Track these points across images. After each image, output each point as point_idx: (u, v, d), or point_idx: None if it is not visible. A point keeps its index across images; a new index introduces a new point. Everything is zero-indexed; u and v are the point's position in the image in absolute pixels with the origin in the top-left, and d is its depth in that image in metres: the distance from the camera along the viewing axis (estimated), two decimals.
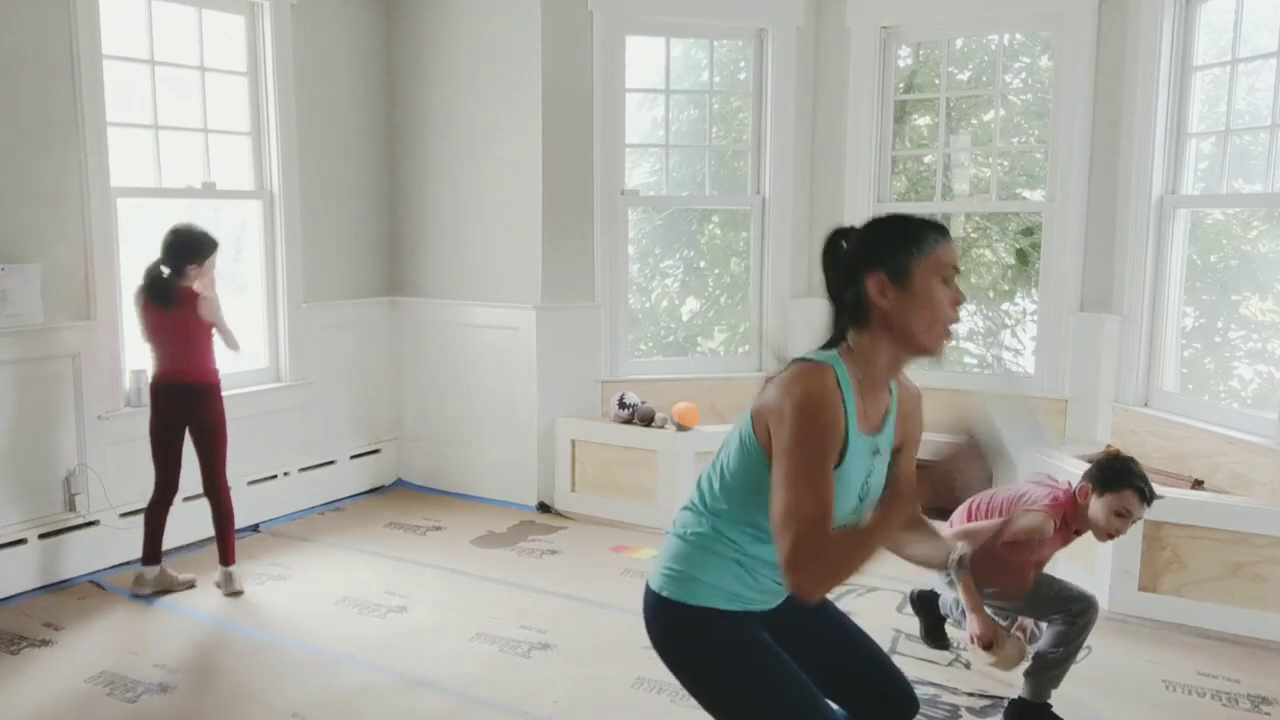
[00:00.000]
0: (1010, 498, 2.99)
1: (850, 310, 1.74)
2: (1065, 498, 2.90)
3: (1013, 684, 3.03)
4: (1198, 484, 3.81)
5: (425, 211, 5.28)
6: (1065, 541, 2.93)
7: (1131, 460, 2.94)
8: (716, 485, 1.81)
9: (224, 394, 3.89)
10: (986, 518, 2.99)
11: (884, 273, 1.69)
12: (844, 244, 1.80)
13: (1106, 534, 2.86)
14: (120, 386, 4.15)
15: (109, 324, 4.07)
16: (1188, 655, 3.41)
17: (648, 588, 1.87)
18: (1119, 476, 2.83)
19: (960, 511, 3.11)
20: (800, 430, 1.62)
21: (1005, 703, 2.99)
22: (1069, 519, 2.88)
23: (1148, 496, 2.84)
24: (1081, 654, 3.33)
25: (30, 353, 3.84)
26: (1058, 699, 2.89)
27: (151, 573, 3.86)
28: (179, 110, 4.43)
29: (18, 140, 3.78)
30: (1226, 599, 3.57)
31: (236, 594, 3.87)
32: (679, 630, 1.83)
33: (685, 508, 1.90)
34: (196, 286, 3.74)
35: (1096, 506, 2.84)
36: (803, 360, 1.72)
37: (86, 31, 3.93)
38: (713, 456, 1.87)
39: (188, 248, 3.73)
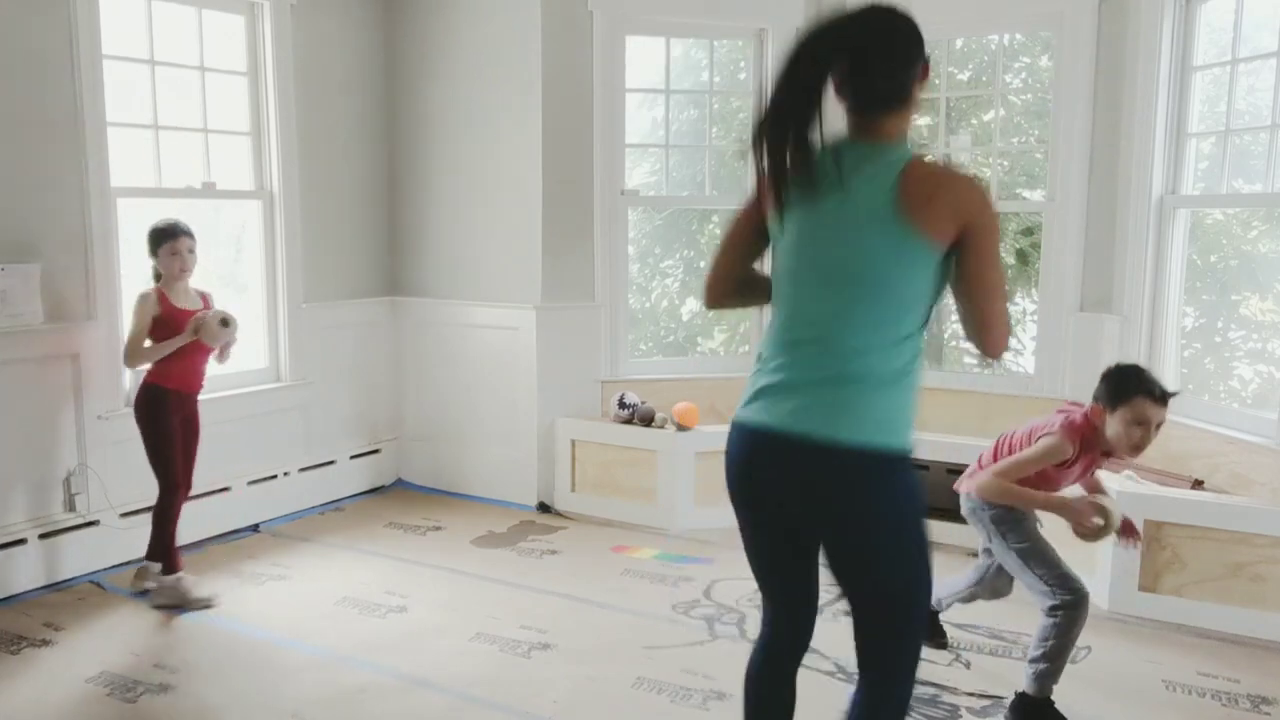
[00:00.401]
0: (1030, 429, 2.92)
1: (897, 102, 1.85)
2: (1082, 420, 2.81)
3: (1012, 683, 3.03)
4: (1198, 484, 3.81)
5: (425, 211, 5.28)
6: (1092, 464, 2.87)
7: (1134, 367, 2.84)
8: (886, 313, 1.76)
9: (198, 399, 3.83)
10: (1010, 454, 2.93)
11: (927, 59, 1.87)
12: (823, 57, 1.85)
13: (1133, 448, 2.75)
14: (120, 386, 4.14)
15: (109, 324, 4.07)
16: (1188, 655, 3.41)
17: (861, 444, 1.75)
18: (1123, 386, 2.74)
19: (988, 451, 3.04)
20: (995, 218, 1.79)
21: (1007, 701, 2.99)
22: (1089, 441, 2.80)
23: (1159, 396, 2.71)
24: (1081, 653, 3.35)
25: (30, 353, 3.84)
26: (1057, 697, 2.89)
27: (163, 575, 3.82)
28: (179, 110, 4.43)
29: (18, 140, 3.78)
30: (1226, 599, 3.57)
31: (152, 599, 3.74)
32: (907, 482, 1.82)
33: (851, 359, 1.76)
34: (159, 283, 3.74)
35: (1112, 424, 2.74)
36: (924, 159, 1.84)
37: (86, 31, 3.92)
38: (829, 312, 1.80)
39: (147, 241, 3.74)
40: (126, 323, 4.07)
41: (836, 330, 1.78)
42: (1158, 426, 2.74)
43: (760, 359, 1.92)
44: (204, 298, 3.86)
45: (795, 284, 1.86)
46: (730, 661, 3.34)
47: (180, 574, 3.79)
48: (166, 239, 3.68)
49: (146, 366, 3.75)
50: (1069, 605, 2.81)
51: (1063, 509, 2.80)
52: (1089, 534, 2.78)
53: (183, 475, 3.80)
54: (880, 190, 1.76)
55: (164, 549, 3.77)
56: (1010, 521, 2.91)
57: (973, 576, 3.25)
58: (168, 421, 3.75)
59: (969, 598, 3.32)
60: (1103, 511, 2.75)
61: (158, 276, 3.76)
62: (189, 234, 3.73)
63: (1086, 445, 2.81)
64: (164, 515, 3.76)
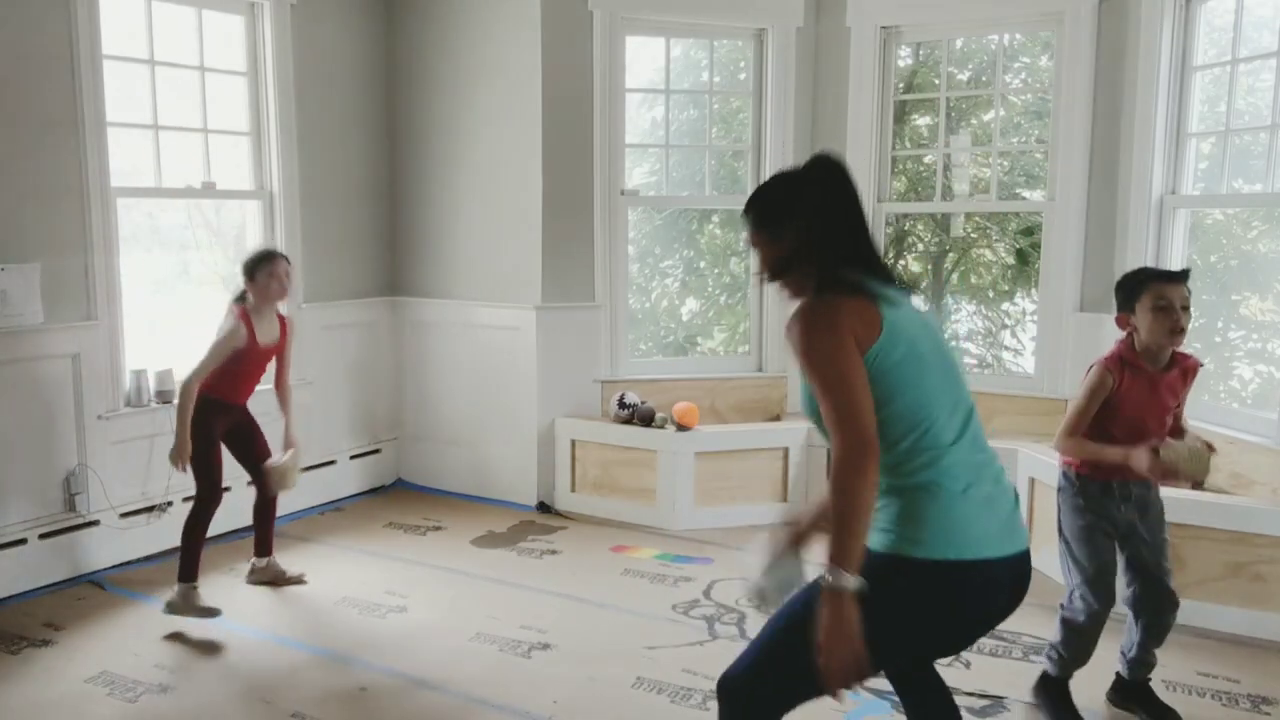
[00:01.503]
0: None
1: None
2: (1117, 346, 2.77)
3: (1011, 683, 3.03)
4: (1198, 484, 3.81)
5: (425, 211, 5.28)
6: (1152, 385, 2.75)
7: (1137, 268, 2.86)
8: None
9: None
10: None
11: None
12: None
13: (1171, 333, 2.67)
14: (120, 386, 4.15)
15: (109, 324, 4.07)
16: (1188, 655, 3.41)
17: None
18: (1132, 281, 2.75)
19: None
20: (801, 337, 1.86)
21: (1007, 702, 2.99)
22: (1132, 360, 2.73)
23: (1171, 276, 2.72)
24: None
25: (30, 353, 3.84)
26: None
27: (179, 581, 3.78)
28: (179, 110, 4.43)
29: (18, 140, 3.78)
30: (1226, 599, 3.57)
31: (165, 606, 3.69)
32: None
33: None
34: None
35: (1140, 322, 2.72)
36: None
37: (86, 31, 3.92)
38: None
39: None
40: (128, 323, 4.09)
41: None
42: (1185, 309, 2.70)
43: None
44: (283, 320, 3.86)
45: None
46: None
47: (195, 583, 3.71)
48: (266, 262, 3.70)
49: None
50: (1089, 615, 2.80)
51: (1122, 457, 2.69)
52: (1175, 471, 2.67)
53: (215, 483, 3.75)
54: None
55: (191, 562, 3.68)
56: (1069, 507, 2.84)
57: (1131, 618, 2.97)
58: (211, 430, 3.71)
59: (1139, 626, 2.97)
60: (1169, 450, 2.66)
61: (241, 300, 3.73)
62: (287, 259, 3.81)
63: (1131, 365, 2.74)
64: (193, 524, 3.69)
